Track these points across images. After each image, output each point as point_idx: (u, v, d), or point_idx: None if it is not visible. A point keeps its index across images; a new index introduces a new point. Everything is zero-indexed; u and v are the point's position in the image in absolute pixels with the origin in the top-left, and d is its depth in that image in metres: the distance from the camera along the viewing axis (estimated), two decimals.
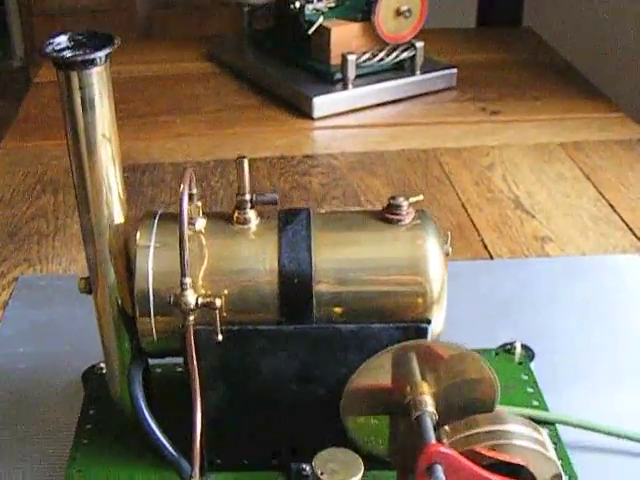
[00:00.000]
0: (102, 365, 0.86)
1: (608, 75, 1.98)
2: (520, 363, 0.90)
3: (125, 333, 0.75)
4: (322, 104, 1.54)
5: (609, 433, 0.81)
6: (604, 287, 1.06)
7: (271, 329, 0.69)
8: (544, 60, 1.82)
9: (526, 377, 0.88)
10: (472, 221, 1.20)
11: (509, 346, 0.91)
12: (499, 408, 0.70)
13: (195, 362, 0.68)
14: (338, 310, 0.70)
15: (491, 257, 1.12)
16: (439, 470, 0.59)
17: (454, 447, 0.63)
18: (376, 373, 0.68)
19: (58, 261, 1.13)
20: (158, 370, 0.86)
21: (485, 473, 0.61)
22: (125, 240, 0.72)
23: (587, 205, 1.24)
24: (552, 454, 0.64)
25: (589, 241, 1.16)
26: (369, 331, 0.69)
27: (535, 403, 0.84)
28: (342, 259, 0.70)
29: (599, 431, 0.81)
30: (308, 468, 0.74)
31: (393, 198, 0.71)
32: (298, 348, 0.70)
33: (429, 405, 0.65)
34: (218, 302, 0.66)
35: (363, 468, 0.58)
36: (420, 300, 0.69)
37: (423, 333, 0.69)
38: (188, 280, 0.65)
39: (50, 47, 0.63)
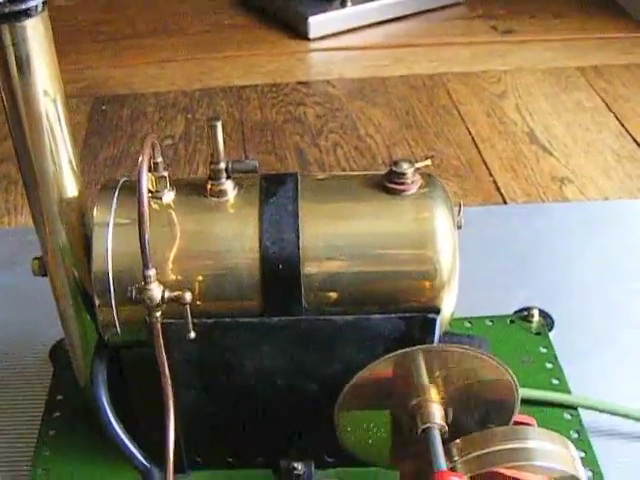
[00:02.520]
0: None
1: None
2: (538, 333, 0.80)
3: (88, 319, 0.65)
4: (318, 23, 1.42)
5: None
6: (629, 237, 0.96)
7: (252, 322, 0.59)
8: None
9: (545, 350, 0.78)
10: (483, 159, 1.09)
11: (526, 313, 0.81)
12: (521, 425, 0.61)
13: (165, 360, 0.58)
14: (331, 298, 0.59)
15: (505, 201, 1.01)
16: None
17: (468, 467, 0.53)
18: (377, 373, 0.58)
19: (29, 211, 1.02)
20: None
21: None
22: (81, 215, 0.62)
23: (609, 140, 1.14)
24: (581, 473, 0.55)
25: (612, 183, 1.05)
26: (368, 322, 0.59)
27: (555, 382, 0.75)
28: (335, 238, 0.59)
29: (628, 417, 0.72)
30: (299, 466, 0.65)
31: (396, 164, 0.60)
32: (285, 342, 0.60)
33: (437, 417, 0.55)
34: (188, 296, 0.55)
35: None
36: (427, 284, 0.59)
37: (431, 325, 0.59)
38: (151, 272, 0.55)
39: None
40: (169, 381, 0.58)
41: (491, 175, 1.05)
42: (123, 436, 0.62)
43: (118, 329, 0.61)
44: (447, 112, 1.20)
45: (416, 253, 0.59)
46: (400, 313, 0.59)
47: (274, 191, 0.60)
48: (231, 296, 0.59)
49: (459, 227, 0.62)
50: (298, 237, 0.58)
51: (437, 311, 0.59)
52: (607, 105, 1.20)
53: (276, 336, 0.60)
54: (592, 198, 1.02)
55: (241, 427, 0.65)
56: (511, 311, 0.82)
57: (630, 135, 1.13)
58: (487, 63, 1.32)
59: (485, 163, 1.08)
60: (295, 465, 0.66)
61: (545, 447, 0.55)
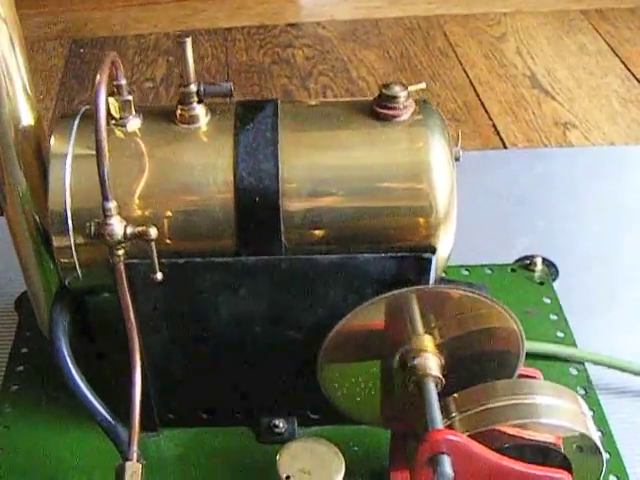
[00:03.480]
0: None
1: None
2: (541, 283, 0.74)
3: (48, 260, 0.59)
4: None
5: None
6: (637, 184, 0.90)
7: (227, 262, 0.53)
8: None
9: (548, 301, 0.72)
10: (482, 102, 1.03)
11: (528, 261, 0.75)
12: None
13: (129, 305, 0.52)
14: (314, 236, 0.54)
15: (504, 146, 0.95)
16: (446, 463, 0.44)
17: (466, 425, 0.47)
18: (368, 317, 0.52)
19: None
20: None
21: (507, 463, 0.46)
22: (38, 145, 0.55)
23: (615, 85, 1.08)
24: (593, 432, 0.49)
25: (618, 128, 0.99)
26: (355, 263, 0.53)
27: (560, 335, 0.69)
28: (319, 169, 0.53)
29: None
30: (280, 423, 0.60)
31: (386, 87, 0.54)
32: (263, 285, 0.54)
33: (433, 368, 0.49)
34: (153, 232, 0.49)
35: (344, 468, 0.43)
36: (422, 221, 0.53)
37: (425, 266, 0.53)
38: (111, 205, 0.49)
39: None
40: (135, 328, 0.53)
41: (490, 119, 0.99)
42: (85, 389, 0.56)
43: (79, 272, 0.55)
44: (443, 54, 1.13)
45: (409, 187, 0.53)
46: (392, 252, 0.53)
47: (251, 117, 0.54)
48: (203, 233, 0.53)
49: (457, 159, 0.56)
50: (277, 167, 0.52)
51: (432, 250, 0.53)
52: (612, 49, 1.13)
53: (253, 278, 0.54)
54: (597, 143, 0.96)
55: (217, 380, 0.59)
56: (512, 260, 0.76)
57: (636, 79, 1.07)
58: (486, 5, 1.25)
59: (484, 106, 1.01)
60: (276, 422, 0.61)
61: (553, 402, 0.49)
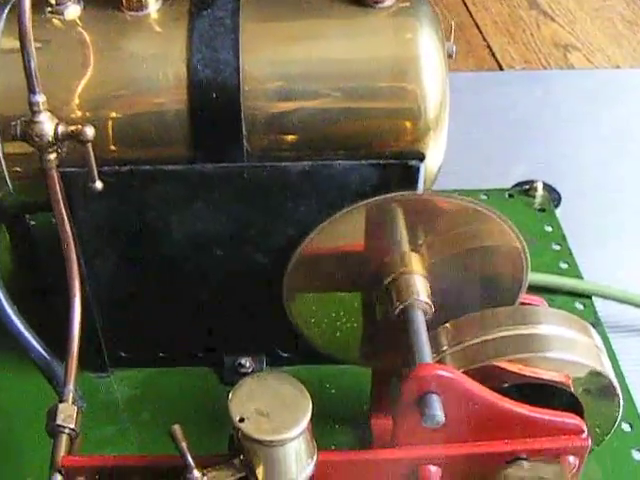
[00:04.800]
0: None
1: None
2: (542, 210, 0.67)
3: None
4: None
5: None
6: None
7: (180, 170, 0.46)
8: None
9: (550, 229, 0.65)
10: (475, 22, 0.95)
11: (528, 186, 0.67)
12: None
13: (65, 221, 0.44)
14: (282, 140, 0.46)
15: (500, 68, 0.87)
16: (435, 404, 0.36)
17: (459, 360, 0.40)
18: (341, 235, 0.44)
19: None
20: None
21: (507, 405, 0.38)
22: None
23: (619, 7, 1.00)
24: (609, 370, 0.42)
25: (623, 51, 0.92)
26: (330, 171, 0.46)
27: (564, 266, 0.62)
28: (288, 61, 0.46)
29: None
30: (247, 362, 0.52)
31: None
32: (222, 198, 0.47)
33: (421, 292, 0.42)
34: (89, 131, 0.42)
35: (311, 409, 0.35)
36: (409, 124, 0.46)
37: (413, 173, 0.45)
38: (39, 99, 0.41)
39: None
40: (73, 249, 0.45)
41: (484, 39, 0.91)
42: (16, 320, 0.48)
43: (9, 184, 0.47)
44: None
45: (395, 86, 0.46)
46: (373, 159, 0.45)
47: (208, 2, 0.46)
48: (152, 137, 0.46)
49: (450, 56, 0.48)
50: (238, 58, 0.45)
51: (420, 158, 0.45)
52: None
53: (211, 190, 0.46)
54: (601, 66, 0.88)
55: (173, 313, 0.52)
56: (510, 185, 0.68)
57: None
58: None
59: (477, 26, 0.94)
60: (242, 361, 0.55)
61: (562, 334, 0.41)
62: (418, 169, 0.45)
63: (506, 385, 0.40)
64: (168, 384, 0.55)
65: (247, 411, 0.35)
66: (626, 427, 0.53)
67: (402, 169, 0.45)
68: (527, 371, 0.41)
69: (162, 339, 0.54)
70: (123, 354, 0.55)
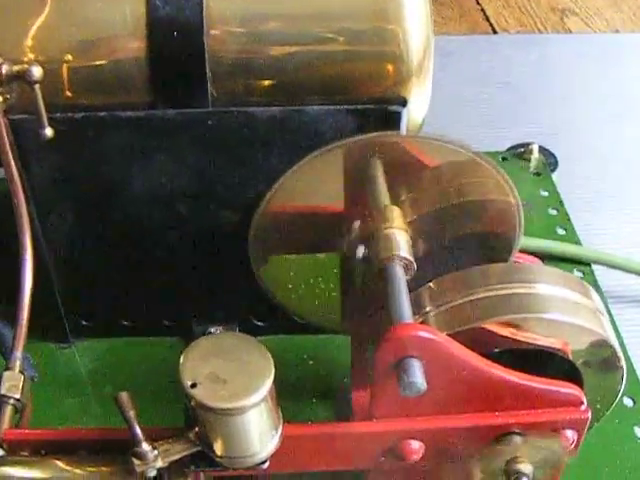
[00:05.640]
0: None
1: None
2: (538, 174, 0.62)
3: None
4: None
5: None
6: None
7: (138, 117, 0.42)
8: None
9: (546, 193, 0.61)
10: None
11: (523, 149, 0.63)
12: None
13: (15, 173, 0.40)
14: (250, 84, 0.42)
15: (494, 32, 0.82)
16: (415, 370, 0.32)
17: (444, 322, 0.36)
18: (312, 186, 0.40)
19: None
20: None
21: (498, 372, 0.34)
22: None
23: None
24: (611, 336, 0.37)
25: (623, 15, 0.88)
26: (303, 117, 0.42)
27: (561, 232, 0.58)
28: None
29: None
30: (218, 332, 0.49)
31: None
32: (186, 147, 0.42)
33: (402, 247, 0.37)
34: (36, 71, 0.38)
35: (273, 373, 0.31)
36: (390, 67, 0.42)
37: (394, 119, 0.41)
38: None
39: None
40: (23, 202, 0.41)
41: (478, 3, 0.87)
42: None
43: None
44: None
45: (375, 27, 0.42)
46: (350, 105, 0.41)
47: None
48: (108, 80, 0.42)
49: None
50: None
51: (402, 103, 0.41)
52: None
53: (173, 138, 0.42)
54: (599, 31, 0.84)
55: (137, 278, 0.48)
56: (504, 148, 0.64)
57: None
58: None
59: None
60: (212, 331, 0.51)
61: (561, 294, 0.37)
62: (400, 115, 0.41)
63: (497, 350, 0.36)
64: (133, 355, 0.51)
65: (200, 376, 0.31)
66: (628, 402, 0.49)
67: (382, 115, 0.41)
68: (520, 336, 0.36)
69: (125, 306, 0.50)
70: (85, 322, 0.51)
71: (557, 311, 0.37)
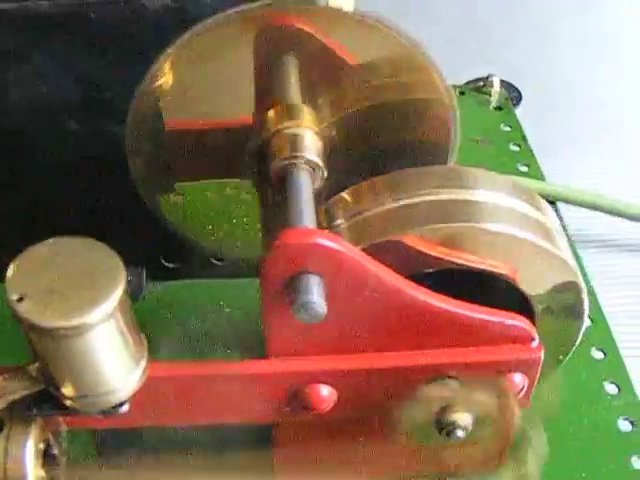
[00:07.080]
0: None
1: None
2: (499, 108, 0.56)
3: None
4: None
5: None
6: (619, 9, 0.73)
7: (7, 10, 0.35)
8: None
9: (508, 128, 0.55)
10: None
11: (482, 82, 0.57)
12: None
13: None
14: None
15: None
16: (310, 287, 0.26)
17: (358, 235, 0.29)
18: (201, 80, 0.33)
19: None
20: None
21: (425, 297, 0.28)
22: None
23: None
24: (565, 252, 0.31)
25: None
26: (201, 5, 0.34)
27: (523, 169, 0.52)
28: None
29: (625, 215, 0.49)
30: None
31: None
32: (66, 48, 0.36)
33: (308, 147, 0.31)
34: None
35: (124, 285, 0.24)
36: None
37: None
38: None
39: None
40: None
41: None
42: None
43: None
44: None
45: None
46: None
47: None
48: None
49: None
50: None
51: None
52: None
53: (50, 36, 0.35)
54: None
55: (20, 206, 0.41)
56: (462, 82, 0.58)
57: None
58: None
59: None
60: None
61: (506, 203, 0.30)
62: None
63: (428, 271, 0.29)
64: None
65: (31, 287, 0.24)
66: (598, 354, 0.42)
67: None
68: (455, 255, 0.30)
69: (8, 240, 0.43)
70: None
71: (505, 221, 0.30)
